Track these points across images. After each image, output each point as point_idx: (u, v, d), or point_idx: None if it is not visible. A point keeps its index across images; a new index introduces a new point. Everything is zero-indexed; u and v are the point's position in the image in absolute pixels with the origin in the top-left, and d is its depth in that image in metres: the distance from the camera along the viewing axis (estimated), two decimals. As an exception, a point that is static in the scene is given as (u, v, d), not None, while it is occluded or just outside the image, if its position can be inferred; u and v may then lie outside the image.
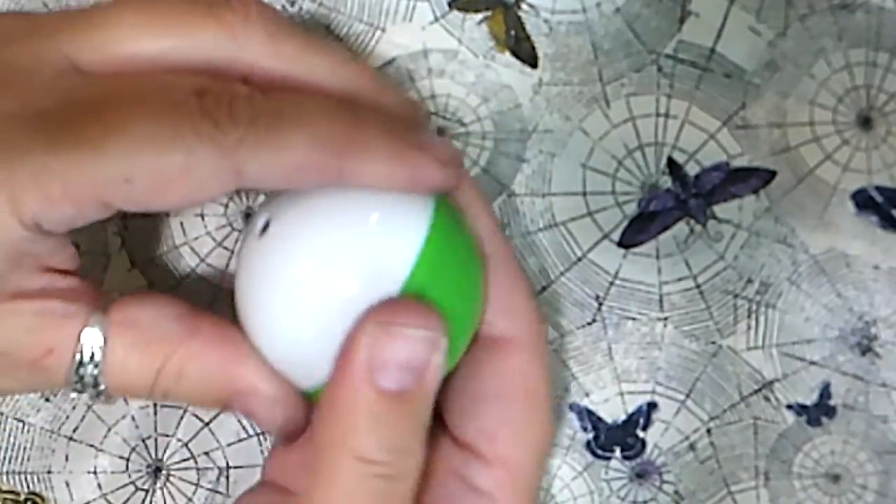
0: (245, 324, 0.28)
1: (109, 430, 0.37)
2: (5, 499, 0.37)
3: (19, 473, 0.37)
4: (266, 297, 0.27)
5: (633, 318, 0.37)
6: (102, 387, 0.28)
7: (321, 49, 0.29)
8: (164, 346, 0.28)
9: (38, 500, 0.37)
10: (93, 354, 0.27)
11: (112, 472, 0.37)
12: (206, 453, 0.37)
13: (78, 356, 0.27)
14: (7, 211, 0.25)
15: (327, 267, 0.26)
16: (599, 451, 0.37)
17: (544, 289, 0.37)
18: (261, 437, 0.37)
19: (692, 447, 0.37)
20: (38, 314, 0.27)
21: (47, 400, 0.37)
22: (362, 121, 0.27)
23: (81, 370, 0.27)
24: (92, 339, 0.27)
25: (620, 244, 0.37)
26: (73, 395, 0.28)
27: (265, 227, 0.28)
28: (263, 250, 0.27)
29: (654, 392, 0.37)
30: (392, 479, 0.26)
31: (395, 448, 0.26)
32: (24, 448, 0.37)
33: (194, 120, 0.25)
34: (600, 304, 0.37)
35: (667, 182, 0.37)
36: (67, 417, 0.37)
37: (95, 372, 0.27)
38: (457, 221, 0.29)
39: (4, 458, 0.37)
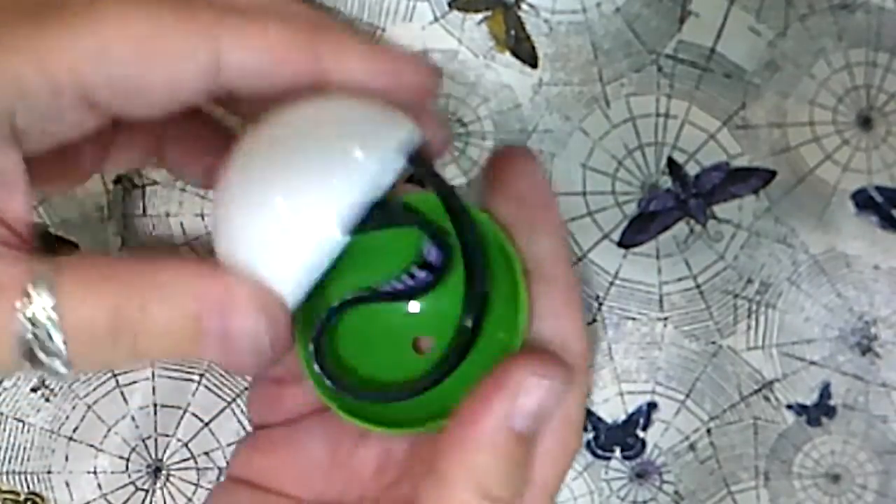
0: (218, 245, 0.27)
1: (109, 430, 0.37)
2: (5, 499, 0.37)
3: (19, 473, 0.37)
4: (238, 215, 0.27)
5: (633, 318, 0.37)
6: (58, 340, 0.24)
7: None
8: (119, 281, 0.25)
9: (37, 499, 0.37)
10: (44, 307, 0.24)
11: (112, 473, 0.37)
12: (206, 453, 0.37)
13: (27, 305, 0.24)
14: None
15: (298, 185, 0.26)
16: (599, 451, 0.37)
17: (544, 289, 0.37)
18: (261, 437, 0.37)
19: (692, 447, 0.37)
20: None
21: (47, 400, 0.37)
22: (337, 23, 0.28)
23: (33, 320, 0.24)
24: (41, 282, 0.24)
25: (620, 244, 0.37)
26: (28, 365, 0.24)
27: (241, 148, 0.27)
28: (237, 167, 0.27)
29: (654, 392, 0.37)
30: None
31: (512, 485, 0.27)
32: (24, 448, 0.37)
33: (172, 3, 0.25)
34: (600, 304, 0.37)
35: (667, 182, 0.37)
36: (67, 418, 0.37)
37: (47, 321, 0.24)
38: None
39: (4, 458, 0.37)
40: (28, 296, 0.24)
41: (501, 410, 0.26)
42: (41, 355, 0.24)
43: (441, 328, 0.30)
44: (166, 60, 0.25)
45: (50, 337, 0.24)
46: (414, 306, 0.32)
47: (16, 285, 0.24)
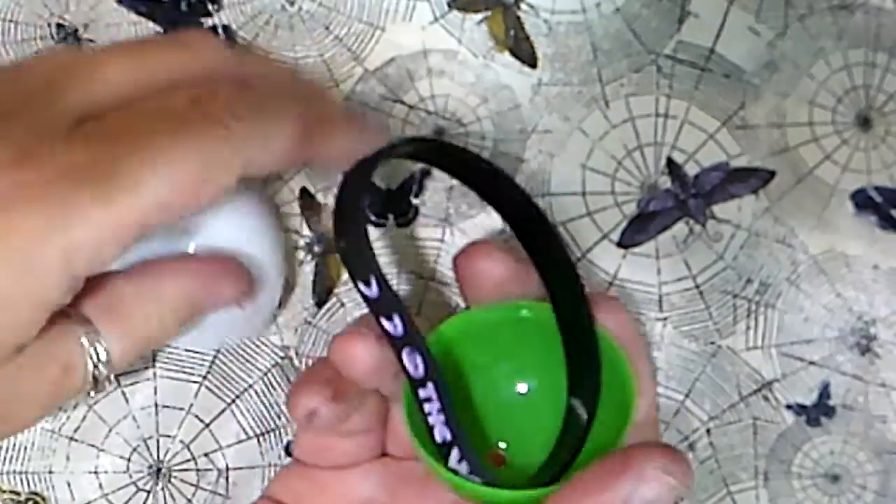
0: None
1: (110, 430, 0.37)
2: (6, 499, 0.37)
3: (20, 473, 0.37)
4: None
5: (633, 319, 0.37)
6: (112, 375, 0.29)
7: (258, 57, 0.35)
8: (148, 329, 0.30)
9: (39, 499, 0.37)
10: (97, 353, 0.28)
11: (113, 473, 0.37)
12: (207, 454, 0.37)
13: (90, 363, 0.28)
14: (60, 271, 0.26)
15: None
16: (599, 451, 0.37)
17: (544, 289, 0.37)
18: (260, 439, 0.37)
19: (692, 447, 0.37)
20: (49, 344, 0.28)
21: (48, 400, 0.37)
22: (323, 107, 0.31)
23: (96, 373, 0.28)
24: (93, 342, 0.28)
25: (620, 244, 0.37)
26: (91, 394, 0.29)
27: None
28: None
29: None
30: None
31: None
32: (26, 448, 0.37)
33: (205, 127, 0.27)
34: (600, 305, 0.37)
35: (666, 182, 0.37)
36: (68, 418, 0.37)
37: (105, 369, 0.28)
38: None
39: (6, 457, 0.37)
40: (91, 357, 0.29)
41: (623, 490, 0.27)
42: (97, 389, 0.29)
43: (519, 436, 0.32)
44: (209, 189, 0.27)
45: (108, 378, 0.29)
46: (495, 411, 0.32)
47: (79, 354, 0.28)
